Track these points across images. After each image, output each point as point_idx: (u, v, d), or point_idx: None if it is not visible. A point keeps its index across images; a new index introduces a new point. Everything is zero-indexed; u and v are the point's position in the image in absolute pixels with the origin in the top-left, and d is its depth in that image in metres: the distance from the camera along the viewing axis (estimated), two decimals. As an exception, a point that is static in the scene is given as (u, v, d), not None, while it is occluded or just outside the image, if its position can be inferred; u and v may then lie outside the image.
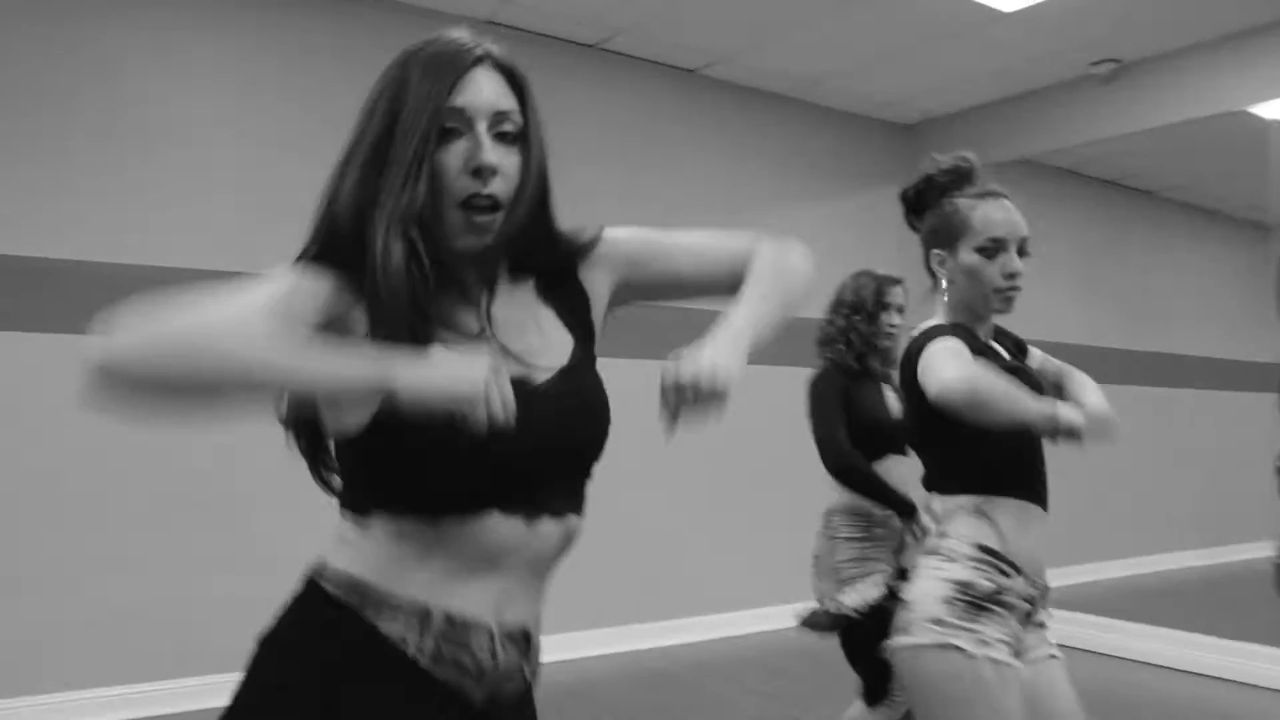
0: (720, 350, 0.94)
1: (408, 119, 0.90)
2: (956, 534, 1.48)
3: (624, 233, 1.13)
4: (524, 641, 0.97)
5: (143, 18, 3.69)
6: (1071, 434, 1.38)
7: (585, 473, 1.01)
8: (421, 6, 4.27)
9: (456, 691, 0.91)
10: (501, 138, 0.94)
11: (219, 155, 3.80)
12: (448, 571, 0.91)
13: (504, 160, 0.93)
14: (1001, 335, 1.74)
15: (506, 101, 0.95)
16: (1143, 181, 6.29)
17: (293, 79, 4.01)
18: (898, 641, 1.45)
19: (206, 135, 3.78)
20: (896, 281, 2.75)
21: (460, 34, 0.96)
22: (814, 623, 1.81)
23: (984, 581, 1.42)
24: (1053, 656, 1.53)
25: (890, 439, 2.44)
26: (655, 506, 4.56)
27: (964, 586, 1.41)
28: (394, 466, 0.89)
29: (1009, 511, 1.49)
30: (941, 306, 1.64)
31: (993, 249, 1.57)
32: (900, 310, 2.70)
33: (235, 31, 3.90)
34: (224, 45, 3.88)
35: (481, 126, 0.92)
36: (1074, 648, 3.79)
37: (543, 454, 0.93)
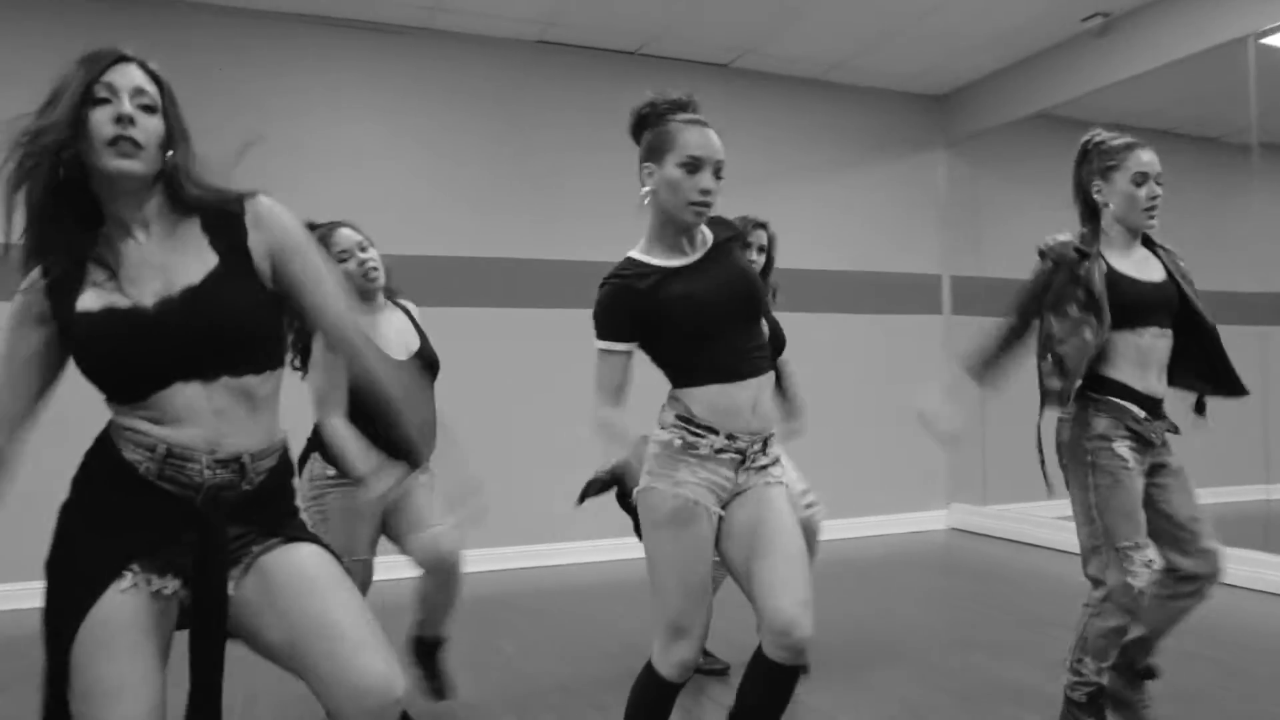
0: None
1: (68, 88, 1.36)
2: (663, 414, 1.93)
3: (286, 220, 1.50)
4: (237, 463, 1.42)
5: (314, 65, 4.58)
6: None
7: (234, 353, 1.41)
8: (484, 35, 5.05)
9: (179, 497, 1.39)
10: (142, 109, 1.40)
11: (365, 170, 4.65)
12: (169, 419, 1.39)
13: (143, 119, 1.38)
14: (719, 224, 2.03)
15: (146, 85, 1.41)
16: (1204, 128, 6.44)
17: (408, 106, 4.82)
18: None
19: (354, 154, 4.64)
20: (760, 225, 3.24)
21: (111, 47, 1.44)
22: (587, 492, 2.13)
23: (677, 440, 1.87)
24: (768, 484, 1.93)
25: None
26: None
27: (663, 445, 1.88)
28: (104, 380, 1.40)
29: (702, 394, 1.87)
30: (649, 215, 1.96)
31: (691, 165, 1.83)
32: (761, 249, 3.23)
33: (371, 70, 4.75)
34: (364, 82, 4.73)
35: (125, 96, 1.38)
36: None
37: (181, 348, 1.38)
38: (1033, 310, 2.40)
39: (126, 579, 1.36)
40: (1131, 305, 2.28)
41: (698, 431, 1.86)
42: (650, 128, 1.89)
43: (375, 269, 2.60)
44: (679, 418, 1.88)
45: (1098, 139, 2.43)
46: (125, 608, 1.35)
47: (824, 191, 5.86)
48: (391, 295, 2.74)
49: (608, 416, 1.91)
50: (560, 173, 5.24)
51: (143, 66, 1.43)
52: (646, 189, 1.89)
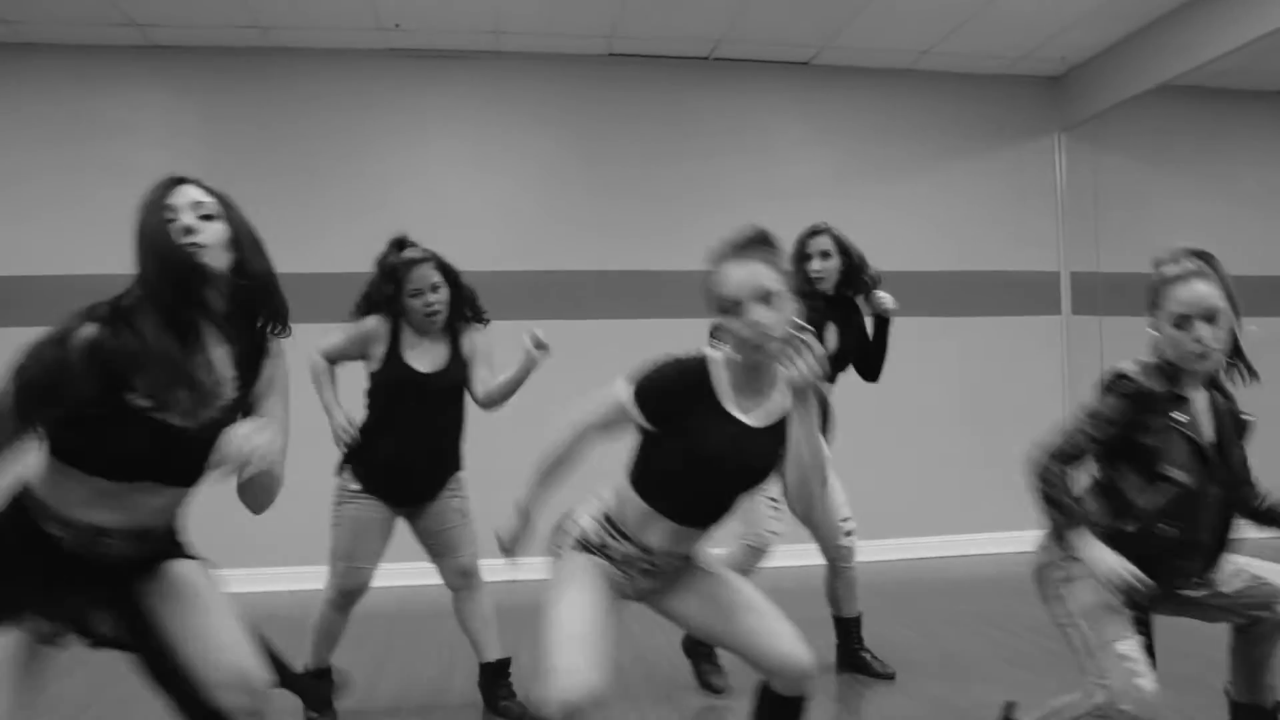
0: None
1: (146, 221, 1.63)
2: (595, 502, 1.96)
3: (281, 373, 1.81)
4: (141, 534, 1.66)
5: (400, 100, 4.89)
6: None
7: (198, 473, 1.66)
8: (558, 53, 5.14)
9: (86, 557, 1.63)
10: (203, 218, 1.64)
11: (446, 189, 4.88)
12: (96, 500, 1.60)
13: (203, 226, 1.63)
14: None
15: (204, 198, 1.65)
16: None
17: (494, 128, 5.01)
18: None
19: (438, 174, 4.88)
20: (816, 232, 3.12)
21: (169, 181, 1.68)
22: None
23: (595, 537, 1.91)
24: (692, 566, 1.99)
25: None
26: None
27: (582, 533, 1.92)
28: (91, 453, 1.58)
29: (640, 511, 1.89)
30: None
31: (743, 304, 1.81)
32: (825, 254, 3.11)
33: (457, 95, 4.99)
34: (442, 106, 4.97)
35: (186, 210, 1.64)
36: None
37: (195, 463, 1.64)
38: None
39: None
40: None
41: (614, 535, 1.91)
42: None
43: (436, 311, 2.76)
44: (606, 518, 1.92)
45: (1161, 265, 2.05)
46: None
47: (923, 188, 5.49)
48: (454, 327, 2.85)
49: (562, 449, 1.90)
50: (636, 181, 5.22)
51: (196, 183, 1.69)
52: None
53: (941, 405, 5.35)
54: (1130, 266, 5.53)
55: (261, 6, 4.49)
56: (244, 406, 1.72)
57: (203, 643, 1.67)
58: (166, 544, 1.77)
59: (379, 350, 2.77)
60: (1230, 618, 2.11)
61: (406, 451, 2.75)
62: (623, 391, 1.83)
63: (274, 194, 4.80)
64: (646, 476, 1.89)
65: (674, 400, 1.81)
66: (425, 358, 2.78)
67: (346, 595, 2.77)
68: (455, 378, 2.83)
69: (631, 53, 5.21)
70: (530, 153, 5.16)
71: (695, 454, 1.80)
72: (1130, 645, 1.92)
